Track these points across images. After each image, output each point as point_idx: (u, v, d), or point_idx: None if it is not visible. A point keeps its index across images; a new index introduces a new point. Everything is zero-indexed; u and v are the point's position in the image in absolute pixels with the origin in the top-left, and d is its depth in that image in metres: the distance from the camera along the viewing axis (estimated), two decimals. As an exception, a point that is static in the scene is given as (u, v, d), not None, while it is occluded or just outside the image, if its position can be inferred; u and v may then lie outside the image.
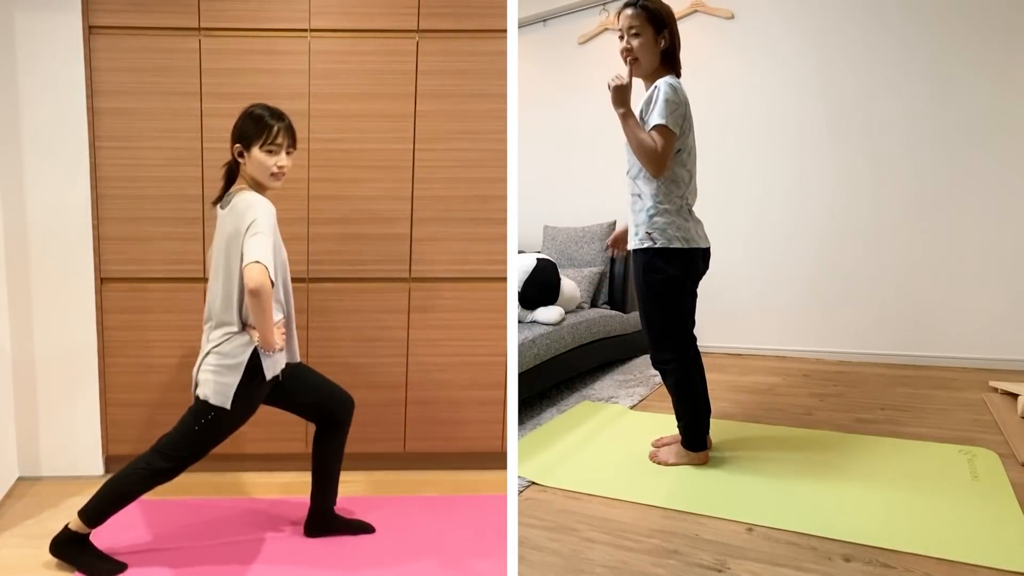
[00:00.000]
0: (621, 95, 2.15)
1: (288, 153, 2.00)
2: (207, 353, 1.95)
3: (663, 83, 2.14)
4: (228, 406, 1.91)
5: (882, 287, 4.01)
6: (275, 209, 1.94)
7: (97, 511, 1.95)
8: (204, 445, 1.98)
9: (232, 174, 2.02)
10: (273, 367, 1.97)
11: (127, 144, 2.44)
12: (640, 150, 2.14)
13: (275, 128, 1.95)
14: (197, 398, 1.96)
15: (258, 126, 1.95)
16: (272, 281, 1.85)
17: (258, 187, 1.99)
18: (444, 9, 2.48)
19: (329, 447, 2.16)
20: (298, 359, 2.11)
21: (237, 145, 1.97)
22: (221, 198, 2.01)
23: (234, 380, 1.91)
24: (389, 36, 2.48)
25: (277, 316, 1.96)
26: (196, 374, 1.97)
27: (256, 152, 1.94)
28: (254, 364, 1.92)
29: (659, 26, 2.17)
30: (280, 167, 1.97)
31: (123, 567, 1.96)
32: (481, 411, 2.69)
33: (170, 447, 1.95)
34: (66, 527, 1.96)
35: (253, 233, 1.84)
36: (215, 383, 1.91)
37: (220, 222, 1.98)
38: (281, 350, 1.99)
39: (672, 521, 2.00)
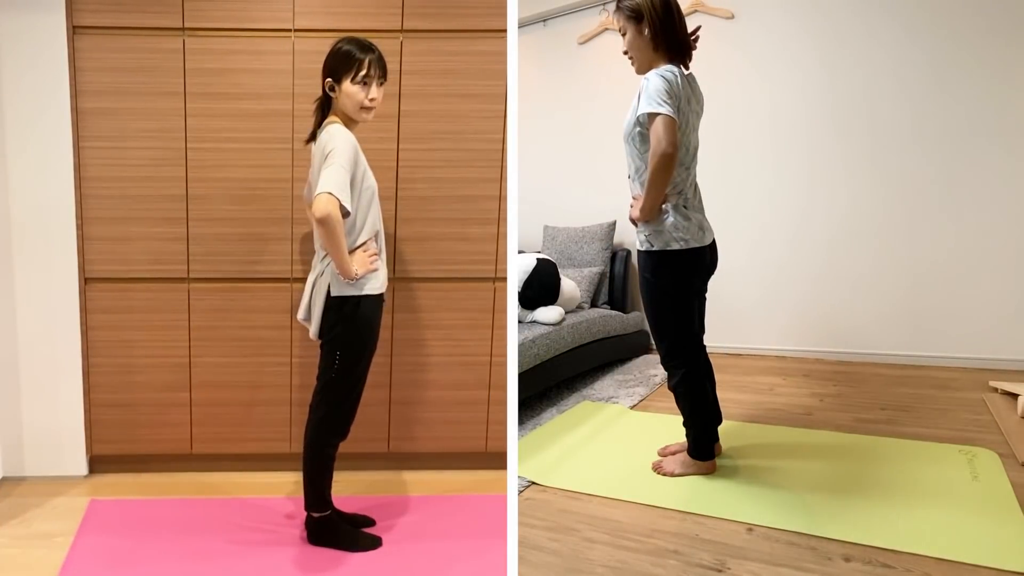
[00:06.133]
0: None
1: (379, 85, 2.01)
2: (313, 283, 2.01)
3: (652, 74, 2.13)
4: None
5: (883, 287, 3.96)
6: (356, 140, 1.97)
7: (313, 493, 2.03)
8: (358, 374, 2.05)
9: (324, 110, 2.05)
10: (375, 287, 2.00)
11: (111, 144, 2.43)
12: (654, 184, 2.11)
13: (364, 61, 1.96)
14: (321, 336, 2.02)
15: (347, 60, 1.97)
16: (347, 211, 1.87)
17: (348, 121, 2.01)
18: (428, 9, 2.46)
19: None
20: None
21: (328, 80, 1.99)
22: (314, 135, 2.05)
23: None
24: (373, 36, 2.42)
25: (362, 239, 1.99)
26: (309, 313, 2.03)
27: (347, 85, 1.97)
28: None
29: (638, 19, 2.18)
30: (372, 100, 1.99)
31: (378, 541, 2.08)
32: (480, 411, 2.65)
33: (328, 397, 2.02)
34: (308, 518, 2.06)
35: (328, 164, 1.86)
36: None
37: (312, 157, 2.04)
38: (373, 271, 2.00)
39: (672, 521, 1.99)
